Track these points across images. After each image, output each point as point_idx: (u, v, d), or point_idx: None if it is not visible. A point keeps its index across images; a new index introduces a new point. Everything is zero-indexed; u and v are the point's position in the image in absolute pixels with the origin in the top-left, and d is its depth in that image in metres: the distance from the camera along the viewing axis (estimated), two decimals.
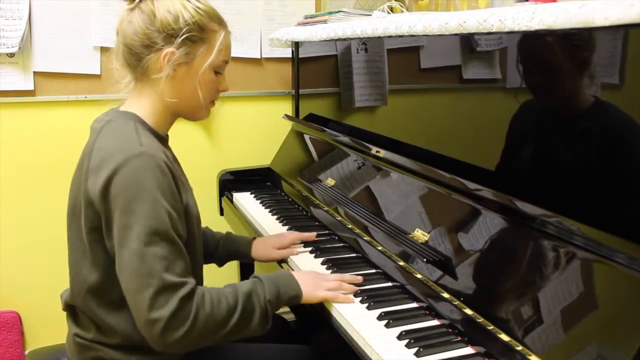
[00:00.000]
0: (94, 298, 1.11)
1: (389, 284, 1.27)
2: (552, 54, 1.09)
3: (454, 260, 1.17)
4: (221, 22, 1.18)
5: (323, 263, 1.39)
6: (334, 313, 1.17)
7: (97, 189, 1.03)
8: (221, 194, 2.15)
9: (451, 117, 1.40)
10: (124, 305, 1.06)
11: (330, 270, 1.34)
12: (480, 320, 1.02)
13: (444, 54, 1.41)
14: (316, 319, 1.23)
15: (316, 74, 2.17)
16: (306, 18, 2.20)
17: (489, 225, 1.16)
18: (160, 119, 1.17)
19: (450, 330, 1.08)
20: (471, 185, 1.20)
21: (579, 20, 0.90)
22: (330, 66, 2.00)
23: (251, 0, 2.31)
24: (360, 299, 1.20)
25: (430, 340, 1.04)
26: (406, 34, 1.40)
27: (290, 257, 1.44)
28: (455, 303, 1.09)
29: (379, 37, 1.61)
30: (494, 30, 1.09)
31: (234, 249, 1.49)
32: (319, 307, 1.21)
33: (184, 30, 1.10)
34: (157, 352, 1.05)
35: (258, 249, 1.48)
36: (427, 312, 1.15)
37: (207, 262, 1.46)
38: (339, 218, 1.58)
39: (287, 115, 2.28)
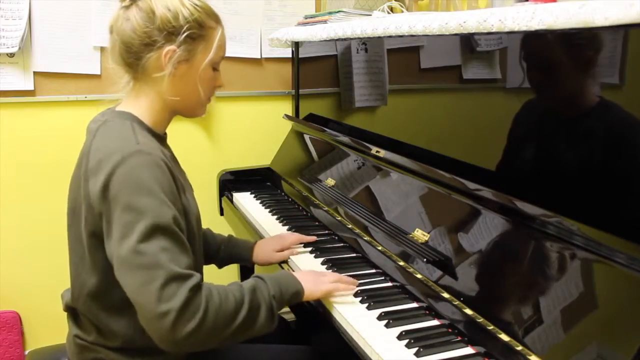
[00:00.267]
0: (95, 302, 1.11)
1: (389, 284, 1.27)
2: (552, 54, 1.08)
3: (454, 260, 1.17)
4: (217, 19, 1.17)
5: (323, 263, 1.39)
6: (334, 313, 1.17)
7: (96, 189, 1.02)
8: (221, 194, 2.15)
9: (451, 117, 1.40)
10: (125, 310, 1.05)
11: (330, 270, 1.34)
12: (480, 320, 1.02)
13: (444, 54, 1.41)
14: (316, 319, 1.23)
15: (316, 74, 2.17)
16: (306, 18, 2.20)
17: (489, 225, 1.16)
18: (158, 117, 1.16)
19: (450, 330, 1.08)
20: (471, 185, 1.20)
21: (579, 20, 0.90)
22: (330, 66, 2.00)
23: (251, 0, 2.31)
24: (360, 299, 1.20)
25: (430, 340, 1.04)
26: (406, 34, 1.40)
27: (291, 257, 1.44)
28: (455, 303, 1.09)
29: (379, 37, 1.61)
30: (494, 30, 1.09)
31: (236, 253, 1.49)
32: (319, 307, 1.21)
33: (185, 27, 1.09)
34: (158, 354, 1.04)
35: (259, 254, 1.48)
36: (427, 312, 1.15)
37: (207, 264, 1.46)
38: (339, 218, 1.58)
39: (287, 115, 2.28)
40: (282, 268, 1.44)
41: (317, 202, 1.73)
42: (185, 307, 0.95)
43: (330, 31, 1.79)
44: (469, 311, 1.05)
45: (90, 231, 1.06)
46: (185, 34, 1.10)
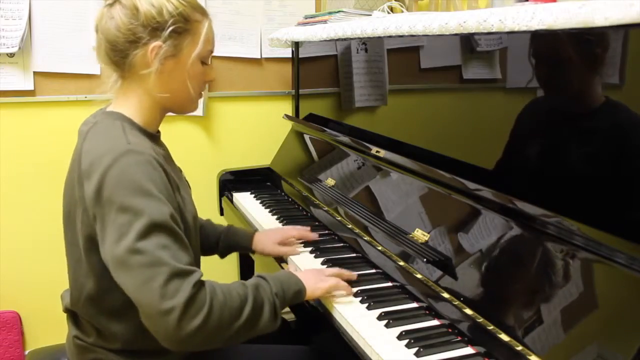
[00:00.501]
0: (94, 305, 1.10)
1: (389, 284, 1.27)
2: (552, 54, 1.08)
3: (454, 260, 1.17)
4: (204, 12, 1.15)
5: (323, 263, 1.39)
6: (334, 313, 1.17)
7: (90, 192, 1.00)
8: (221, 194, 2.15)
9: (451, 117, 1.40)
10: (125, 312, 1.05)
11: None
12: (480, 320, 1.02)
13: (444, 54, 1.41)
14: (316, 319, 1.23)
15: (316, 74, 2.17)
16: (306, 18, 2.20)
17: (489, 225, 1.16)
18: (148, 115, 1.15)
19: (450, 330, 1.08)
20: (471, 185, 1.20)
21: (579, 20, 0.90)
22: (330, 66, 2.00)
23: (251, 0, 2.31)
24: (360, 299, 1.20)
25: (430, 340, 1.04)
26: (406, 34, 1.40)
27: (290, 257, 1.44)
28: (455, 303, 1.09)
29: (379, 37, 1.61)
30: (494, 30, 1.09)
31: (235, 242, 1.49)
32: (319, 307, 1.21)
33: (169, 22, 1.08)
34: (158, 355, 1.04)
35: (259, 242, 1.48)
36: (427, 312, 1.15)
37: (209, 254, 1.46)
38: (339, 218, 1.58)
39: (287, 115, 2.28)
40: (282, 268, 1.44)
41: (317, 202, 1.73)
42: (189, 303, 0.94)
43: (330, 31, 1.79)
44: (469, 311, 1.05)
45: (86, 235, 1.05)
46: (171, 28, 1.08)
